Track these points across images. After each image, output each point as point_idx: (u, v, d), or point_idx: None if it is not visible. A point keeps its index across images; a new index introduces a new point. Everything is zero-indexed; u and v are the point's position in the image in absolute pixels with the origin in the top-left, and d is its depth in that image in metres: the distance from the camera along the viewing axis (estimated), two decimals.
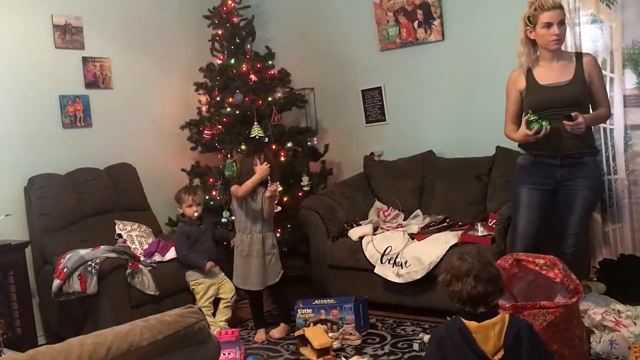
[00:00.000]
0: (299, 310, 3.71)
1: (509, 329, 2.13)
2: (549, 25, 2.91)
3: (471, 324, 2.15)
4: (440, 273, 2.24)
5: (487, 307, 2.17)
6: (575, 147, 2.96)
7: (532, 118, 2.90)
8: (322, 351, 3.22)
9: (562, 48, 3.13)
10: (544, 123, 2.87)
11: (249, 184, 3.62)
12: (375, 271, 3.78)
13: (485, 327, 2.13)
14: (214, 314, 3.86)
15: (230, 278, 3.85)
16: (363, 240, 3.95)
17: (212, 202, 4.49)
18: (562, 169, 3.00)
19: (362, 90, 4.87)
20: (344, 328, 3.57)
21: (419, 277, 3.62)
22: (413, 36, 4.56)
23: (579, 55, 3.07)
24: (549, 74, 3.01)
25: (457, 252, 2.36)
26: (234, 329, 3.45)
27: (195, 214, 3.98)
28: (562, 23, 2.94)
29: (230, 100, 4.47)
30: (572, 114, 2.84)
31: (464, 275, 2.17)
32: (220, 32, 4.69)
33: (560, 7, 2.95)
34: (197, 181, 4.76)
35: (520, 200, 3.08)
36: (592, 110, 3.07)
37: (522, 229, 3.07)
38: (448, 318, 2.96)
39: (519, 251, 2.86)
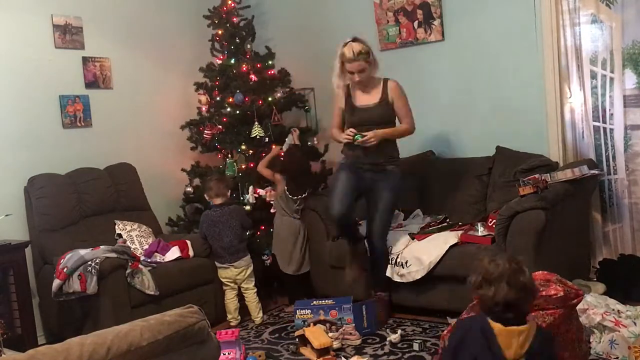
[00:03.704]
0: (297, 310, 3.71)
1: (535, 339, 2.06)
2: (351, 72, 3.61)
3: (496, 326, 2.07)
4: (469, 274, 2.17)
5: (516, 313, 2.08)
6: (380, 158, 3.66)
7: (354, 135, 3.61)
8: (322, 351, 3.22)
9: (563, 49, 3.12)
10: (357, 137, 3.59)
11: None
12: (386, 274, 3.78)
13: (510, 332, 2.06)
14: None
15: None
16: (364, 242, 3.95)
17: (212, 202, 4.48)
18: (370, 173, 3.70)
19: None
20: (343, 328, 3.57)
21: (419, 277, 3.62)
22: (413, 36, 4.56)
23: (385, 82, 3.72)
24: (362, 97, 3.74)
25: (489, 253, 2.25)
26: (234, 329, 3.44)
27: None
28: (362, 71, 3.59)
29: (231, 100, 4.47)
30: (363, 133, 3.57)
31: (497, 280, 2.07)
32: (220, 32, 4.69)
33: (360, 57, 3.55)
34: (197, 181, 4.76)
35: (339, 178, 3.75)
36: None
37: (338, 196, 3.68)
38: (448, 318, 2.97)
39: (333, 215, 3.71)
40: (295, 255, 4.16)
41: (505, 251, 3.34)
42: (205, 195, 4.19)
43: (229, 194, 4.18)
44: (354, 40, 3.60)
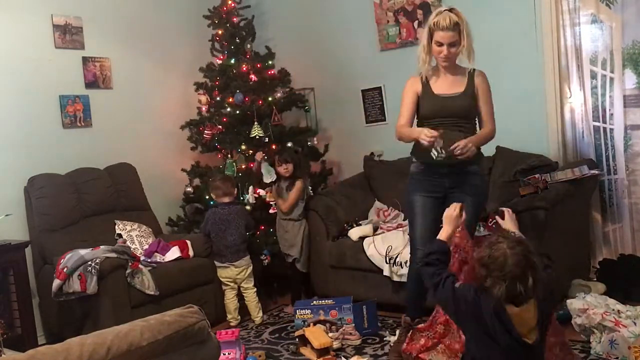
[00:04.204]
0: (297, 310, 3.71)
1: (539, 310, 2.05)
2: (439, 44, 2.99)
3: (510, 309, 2.01)
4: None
5: (525, 288, 1.99)
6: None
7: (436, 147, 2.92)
8: (322, 351, 3.22)
9: (563, 49, 3.12)
10: (438, 154, 2.91)
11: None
12: (384, 274, 3.77)
13: (524, 311, 2.02)
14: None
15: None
16: (364, 242, 3.95)
17: (212, 202, 4.49)
18: (449, 177, 3.07)
19: (362, 90, 4.87)
20: (344, 328, 3.57)
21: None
22: (413, 36, 4.56)
23: (472, 71, 3.14)
24: (442, 85, 3.11)
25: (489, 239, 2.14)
26: (234, 329, 3.45)
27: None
28: (453, 45, 2.98)
29: (231, 100, 4.47)
30: (458, 143, 2.88)
31: (505, 276, 1.98)
32: (220, 32, 4.68)
33: (454, 28, 2.95)
34: (197, 181, 4.77)
35: (414, 207, 3.13)
36: (478, 126, 3.17)
37: (419, 235, 3.09)
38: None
39: (419, 258, 2.73)
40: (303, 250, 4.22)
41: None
42: (212, 194, 4.20)
43: (235, 192, 4.21)
44: (451, 10, 2.98)
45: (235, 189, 4.22)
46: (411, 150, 3.20)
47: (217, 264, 4.06)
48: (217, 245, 4.04)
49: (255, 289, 4.07)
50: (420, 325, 2.95)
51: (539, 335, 2.05)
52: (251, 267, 4.08)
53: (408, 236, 3.31)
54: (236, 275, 4.02)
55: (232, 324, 4.01)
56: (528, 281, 1.99)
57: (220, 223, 4.03)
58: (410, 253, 3.22)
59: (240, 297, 4.09)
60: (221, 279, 4.06)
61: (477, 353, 2.15)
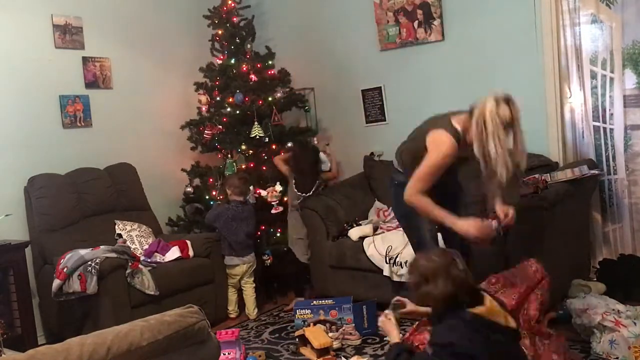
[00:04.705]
0: (297, 310, 3.71)
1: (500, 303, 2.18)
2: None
3: (479, 310, 2.05)
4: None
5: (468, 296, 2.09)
6: None
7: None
8: (322, 351, 3.22)
9: (563, 49, 3.10)
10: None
11: None
12: (384, 274, 3.77)
13: (493, 306, 2.10)
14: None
15: None
16: (364, 242, 3.95)
17: (212, 202, 4.49)
18: None
19: (362, 90, 4.87)
20: (344, 328, 3.57)
21: None
22: (413, 36, 4.56)
23: None
24: None
25: (422, 254, 2.28)
26: (234, 329, 3.44)
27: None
28: None
29: (231, 100, 4.47)
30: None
31: (433, 276, 2.10)
32: (220, 32, 4.68)
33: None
34: (197, 181, 4.76)
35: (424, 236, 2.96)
36: None
37: (431, 236, 2.97)
38: None
39: None
40: (306, 243, 4.31)
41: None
42: (227, 191, 4.25)
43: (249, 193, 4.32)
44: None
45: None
46: (401, 163, 3.00)
47: (227, 261, 4.16)
48: (230, 241, 4.14)
49: (254, 285, 4.20)
50: (426, 319, 2.94)
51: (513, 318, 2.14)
52: (255, 264, 4.23)
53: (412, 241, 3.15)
54: (244, 272, 4.16)
55: (232, 316, 4.17)
56: (452, 284, 2.07)
57: (233, 220, 4.14)
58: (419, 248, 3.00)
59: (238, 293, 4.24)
60: (231, 276, 4.17)
61: None
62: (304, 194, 4.29)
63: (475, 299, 2.10)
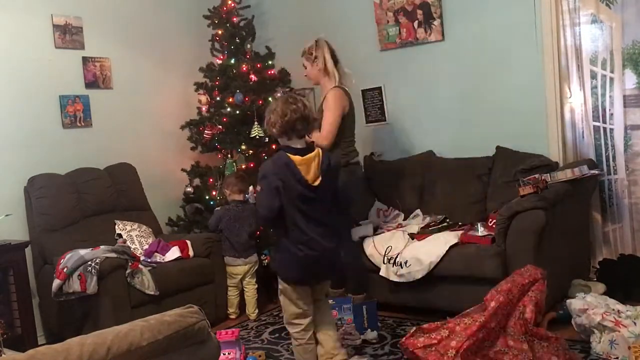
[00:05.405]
0: None
1: (324, 160, 2.69)
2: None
3: (296, 158, 2.64)
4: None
5: (305, 141, 2.71)
6: None
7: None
8: None
9: (563, 49, 3.12)
10: None
11: None
12: (380, 274, 3.77)
13: (307, 159, 2.65)
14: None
15: None
16: (364, 242, 3.95)
17: (212, 202, 4.49)
18: None
19: (362, 90, 4.85)
20: (344, 328, 3.57)
21: (419, 277, 3.62)
22: (413, 36, 4.56)
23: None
24: None
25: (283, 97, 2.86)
26: (234, 329, 3.44)
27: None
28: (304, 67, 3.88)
29: (231, 100, 4.47)
30: None
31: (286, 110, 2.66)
32: (220, 32, 4.69)
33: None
34: (197, 181, 4.76)
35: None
36: None
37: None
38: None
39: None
40: None
41: (506, 250, 3.36)
42: (226, 190, 4.25)
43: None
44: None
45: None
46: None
47: (229, 261, 4.15)
48: (232, 241, 4.13)
49: (256, 286, 4.19)
50: (425, 325, 2.95)
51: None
52: (257, 264, 4.22)
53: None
54: (246, 272, 4.15)
55: (232, 317, 4.16)
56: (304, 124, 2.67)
57: (234, 220, 4.15)
58: None
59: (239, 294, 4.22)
60: (232, 276, 4.16)
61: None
62: None
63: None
